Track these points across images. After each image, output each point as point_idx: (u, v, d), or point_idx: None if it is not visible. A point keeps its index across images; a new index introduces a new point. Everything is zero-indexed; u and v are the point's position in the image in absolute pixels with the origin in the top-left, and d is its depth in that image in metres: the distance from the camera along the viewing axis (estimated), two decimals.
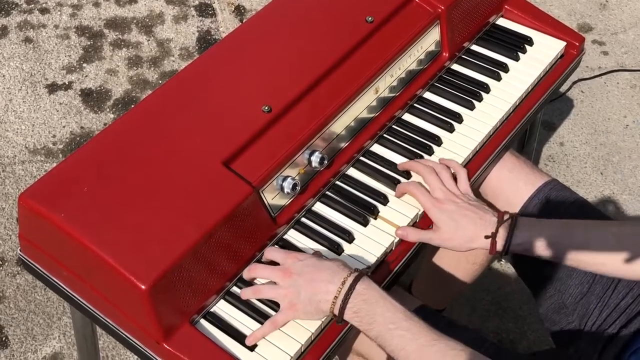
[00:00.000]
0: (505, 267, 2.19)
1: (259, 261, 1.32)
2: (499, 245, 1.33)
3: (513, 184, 1.50)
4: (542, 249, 1.33)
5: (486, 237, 1.33)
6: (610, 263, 1.30)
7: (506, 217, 1.34)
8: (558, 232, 1.33)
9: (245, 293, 1.29)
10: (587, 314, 1.41)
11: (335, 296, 1.21)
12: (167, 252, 1.21)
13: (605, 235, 1.31)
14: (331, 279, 1.22)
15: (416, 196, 1.40)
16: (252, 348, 1.23)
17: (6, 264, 2.11)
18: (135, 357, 1.94)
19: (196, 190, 1.28)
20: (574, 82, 2.66)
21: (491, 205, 1.56)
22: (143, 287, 1.17)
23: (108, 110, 2.50)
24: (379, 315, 1.20)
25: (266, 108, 1.39)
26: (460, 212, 1.35)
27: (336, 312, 1.22)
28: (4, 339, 1.98)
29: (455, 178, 1.43)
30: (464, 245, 1.35)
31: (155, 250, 1.21)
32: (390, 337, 1.19)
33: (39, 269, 1.34)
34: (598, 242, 1.30)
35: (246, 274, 1.31)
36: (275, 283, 1.27)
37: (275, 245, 1.35)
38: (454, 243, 1.35)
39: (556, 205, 1.51)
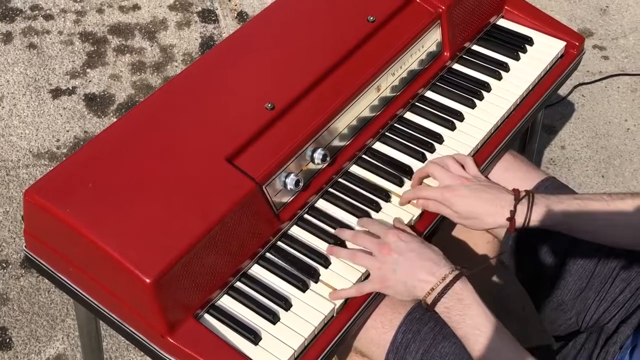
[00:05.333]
0: (506, 270, 2.19)
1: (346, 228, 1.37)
2: (518, 222, 1.34)
3: (509, 182, 1.50)
4: (560, 222, 1.34)
5: (507, 218, 1.34)
6: (628, 234, 1.32)
7: (522, 194, 1.35)
8: (575, 205, 1.34)
9: (340, 253, 1.32)
10: (584, 308, 1.42)
11: (433, 288, 1.24)
12: (171, 247, 1.22)
13: (622, 205, 1.32)
14: (433, 270, 1.25)
15: (425, 195, 1.40)
16: (255, 342, 1.24)
17: (10, 266, 2.12)
18: (139, 358, 1.96)
19: (200, 185, 1.30)
20: (575, 87, 2.67)
21: None
22: (148, 280, 1.18)
23: (111, 115, 2.51)
24: (469, 317, 1.22)
25: (269, 105, 1.40)
26: (474, 195, 1.36)
27: (429, 301, 1.25)
28: (7, 340, 1.99)
29: (462, 167, 1.44)
30: (484, 226, 1.37)
31: (159, 244, 1.22)
32: (474, 341, 1.21)
33: (44, 265, 1.35)
34: (615, 212, 1.31)
35: (346, 235, 1.34)
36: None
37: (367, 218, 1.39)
38: (474, 224, 1.37)
39: None
